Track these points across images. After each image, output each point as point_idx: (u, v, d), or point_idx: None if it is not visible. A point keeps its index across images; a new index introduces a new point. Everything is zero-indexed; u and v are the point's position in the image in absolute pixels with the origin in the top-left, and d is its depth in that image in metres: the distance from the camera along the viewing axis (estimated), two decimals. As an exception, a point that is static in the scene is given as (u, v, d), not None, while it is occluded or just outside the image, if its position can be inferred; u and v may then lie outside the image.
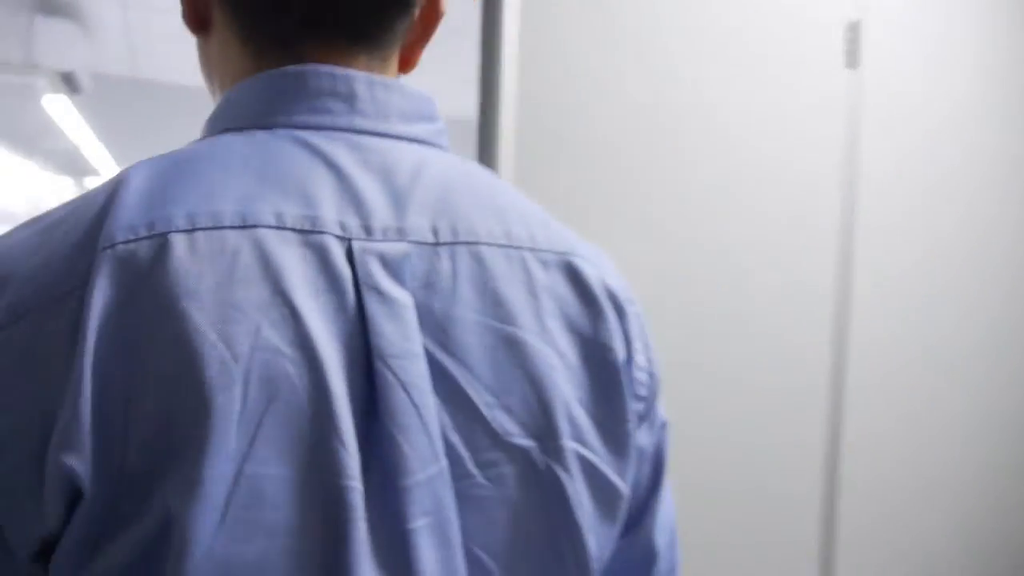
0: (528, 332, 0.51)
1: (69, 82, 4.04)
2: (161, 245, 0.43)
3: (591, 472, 0.52)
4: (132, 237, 0.43)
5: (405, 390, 0.46)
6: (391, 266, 0.48)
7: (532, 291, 0.52)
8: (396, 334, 0.47)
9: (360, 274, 0.47)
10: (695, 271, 1.50)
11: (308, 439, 0.44)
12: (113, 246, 0.43)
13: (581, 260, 0.55)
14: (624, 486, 0.54)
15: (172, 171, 0.47)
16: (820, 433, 1.61)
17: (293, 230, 0.46)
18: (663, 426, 0.60)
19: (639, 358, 0.56)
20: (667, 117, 1.47)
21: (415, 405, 0.46)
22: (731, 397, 1.53)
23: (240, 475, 0.42)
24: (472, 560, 0.48)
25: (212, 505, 0.41)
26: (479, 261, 0.51)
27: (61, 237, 0.45)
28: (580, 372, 0.53)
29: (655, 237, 1.47)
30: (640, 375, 0.56)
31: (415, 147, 0.54)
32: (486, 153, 1.36)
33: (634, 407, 0.55)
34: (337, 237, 0.47)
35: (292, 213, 0.47)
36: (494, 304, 0.50)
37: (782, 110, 1.55)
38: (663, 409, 0.60)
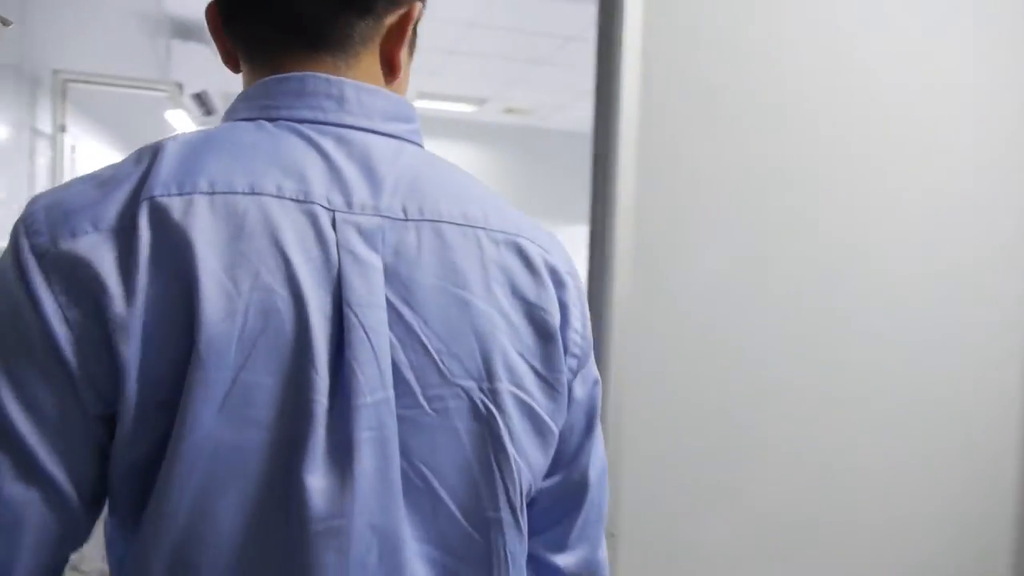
0: (476, 296, 0.62)
1: (203, 103, 4.22)
2: (189, 202, 0.56)
3: (527, 410, 0.64)
4: (166, 193, 0.57)
5: (365, 332, 0.58)
6: (365, 235, 0.60)
7: (483, 263, 0.64)
8: (363, 288, 0.59)
9: (340, 239, 0.59)
10: (854, 272, 1.36)
11: (290, 360, 0.56)
12: (151, 198, 0.56)
13: (527, 241, 0.67)
14: (553, 424, 0.67)
15: (199, 146, 0.60)
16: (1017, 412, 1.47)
17: (290, 199, 0.59)
18: (595, 382, 0.73)
19: (575, 323, 0.69)
20: (818, 114, 1.31)
21: (371, 344, 0.58)
22: (925, 385, 1.43)
23: (236, 380, 0.55)
24: (415, 471, 0.60)
25: (213, 400, 0.54)
26: (440, 236, 0.62)
27: (113, 188, 0.58)
28: (523, 330, 0.65)
29: (806, 239, 1.34)
30: (574, 336, 0.69)
31: (392, 142, 0.65)
32: (602, 165, 1.28)
33: (568, 362, 0.68)
34: (324, 208, 0.60)
35: (289, 187, 0.59)
36: (450, 271, 0.62)
37: (961, 97, 1.35)
38: (595, 369, 0.72)
